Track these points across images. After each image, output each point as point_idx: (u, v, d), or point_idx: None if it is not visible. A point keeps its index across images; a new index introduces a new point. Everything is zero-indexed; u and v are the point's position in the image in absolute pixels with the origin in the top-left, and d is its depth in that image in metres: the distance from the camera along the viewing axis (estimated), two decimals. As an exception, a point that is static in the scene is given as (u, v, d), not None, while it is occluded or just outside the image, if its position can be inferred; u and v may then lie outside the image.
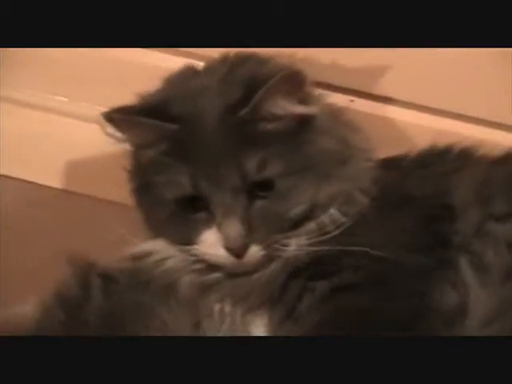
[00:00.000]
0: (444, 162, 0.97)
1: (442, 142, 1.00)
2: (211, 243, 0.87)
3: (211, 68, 0.93)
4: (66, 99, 1.22)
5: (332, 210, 0.89)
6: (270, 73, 0.86)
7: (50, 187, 1.25)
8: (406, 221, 0.89)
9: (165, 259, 0.92)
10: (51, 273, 0.93)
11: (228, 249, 0.86)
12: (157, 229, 0.92)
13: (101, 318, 0.90)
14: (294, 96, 0.87)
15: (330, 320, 0.86)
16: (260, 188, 0.87)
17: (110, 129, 0.89)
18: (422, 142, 1.03)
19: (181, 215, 0.88)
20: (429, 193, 0.91)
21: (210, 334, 0.89)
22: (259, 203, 0.87)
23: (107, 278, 0.93)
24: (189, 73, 0.94)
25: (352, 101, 1.06)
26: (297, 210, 0.88)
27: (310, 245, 0.87)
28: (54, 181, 1.25)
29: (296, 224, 0.88)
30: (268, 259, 0.89)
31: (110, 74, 1.13)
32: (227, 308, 0.89)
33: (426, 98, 1.09)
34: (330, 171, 0.89)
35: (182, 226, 0.89)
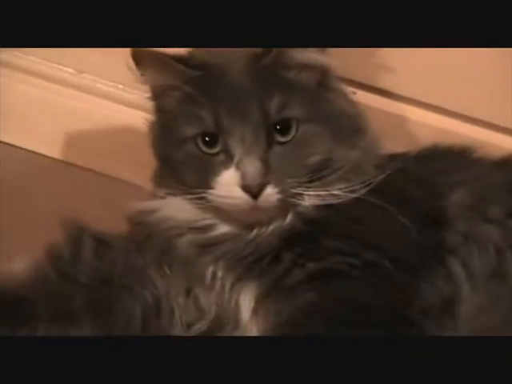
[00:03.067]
0: (444, 161, 0.99)
1: (444, 141, 1.01)
2: (228, 184, 0.88)
3: None
4: (72, 70, 1.23)
5: (342, 173, 0.91)
6: None
7: (49, 157, 1.26)
8: (401, 219, 0.90)
9: (169, 217, 0.93)
10: (45, 237, 0.94)
11: (245, 187, 0.88)
12: (174, 174, 0.93)
13: (92, 278, 0.90)
14: None
15: (313, 301, 0.87)
16: (280, 132, 0.90)
17: (134, 68, 0.92)
18: (424, 140, 1.05)
19: (199, 156, 0.90)
20: (426, 194, 0.94)
21: (201, 300, 0.90)
22: (278, 148, 0.90)
23: (99, 241, 0.93)
24: None
25: (354, 93, 1.07)
26: (314, 159, 0.90)
27: (320, 202, 0.89)
28: (54, 151, 1.25)
29: (310, 176, 0.90)
30: (280, 209, 0.90)
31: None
32: (219, 273, 0.90)
33: (430, 95, 1.11)
34: (346, 135, 0.92)
35: (199, 167, 0.90)
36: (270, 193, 0.88)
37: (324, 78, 0.93)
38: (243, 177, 0.88)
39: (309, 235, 0.90)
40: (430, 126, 1.13)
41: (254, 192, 0.88)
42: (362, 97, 1.07)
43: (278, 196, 0.89)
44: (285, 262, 0.89)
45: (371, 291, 0.87)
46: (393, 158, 0.97)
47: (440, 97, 1.11)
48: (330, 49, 0.93)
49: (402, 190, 0.93)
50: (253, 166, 0.88)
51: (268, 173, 0.88)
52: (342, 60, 0.95)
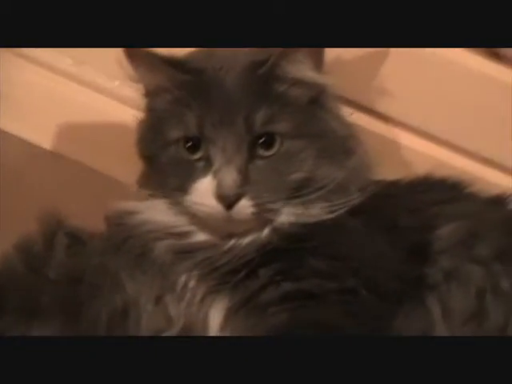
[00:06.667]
0: (436, 192, 0.97)
1: (439, 172, 1.00)
2: (204, 192, 0.87)
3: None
4: (71, 62, 1.22)
5: (324, 192, 0.89)
6: None
7: (41, 147, 1.25)
8: (387, 247, 0.89)
9: (148, 220, 0.92)
10: (22, 227, 0.93)
11: (219, 196, 0.87)
12: (156, 175, 0.92)
13: (62, 275, 0.89)
14: (310, 59, 0.89)
15: (285, 323, 0.85)
16: (263, 146, 0.88)
17: (128, 66, 0.91)
18: (418, 169, 1.04)
19: (180, 161, 0.90)
20: (413, 224, 0.92)
21: (170, 309, 0.89)
22: (260, 161, 0.88)
23: (74, 239, 0.92)
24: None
25: (351, 113, 1.06)
26: (295, 176, 0.89)
27: (297, 219, 0.88)
28: (47, 142, 1.24)
29: (290, 193, 0.88)
30: (256, 223, 0.89)
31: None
32: (191, 283, 0.89)
33: (429, 124, 1.09)
34: (333, 155, 0.91)
35: (179, 172, 0.89)
36: (245, 205, 0.87)
37: (318, 95, 0.92)
38: (218, 186, 0.87)
39: (287, 252, 0.88)
40: (426, 155, 1.11)
41: (227, 202, 0.87)
42: (359, 119, 1.06)
43: (253, 209, 0.87)
44: (260, 279, 0.87)
45: (345, 319, 0.85)
46: (383, 183, 0.95)
47: (438, 127, 1.10)
48: (328, 67, 0.91)
49: (389, 216, 0.91)
50: (229, 176, 0.86)
51: (245, 185, 0.87)
52: (342, 79, 0.93)
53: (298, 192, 0.88)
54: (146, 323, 0.89)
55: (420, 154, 1.11)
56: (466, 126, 1.08)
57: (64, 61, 1.22)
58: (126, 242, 0.91)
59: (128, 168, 1.01)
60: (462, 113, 1.08)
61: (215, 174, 0.87)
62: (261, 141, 0.88)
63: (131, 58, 0.91)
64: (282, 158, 0.88)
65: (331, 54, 0.92)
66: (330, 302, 0.86)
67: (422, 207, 0.93)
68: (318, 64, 0.90)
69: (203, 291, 0.89)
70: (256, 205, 0.87)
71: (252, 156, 0.88)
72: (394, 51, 1.07)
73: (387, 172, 0.98)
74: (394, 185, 0.97)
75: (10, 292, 0.88)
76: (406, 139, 1.12)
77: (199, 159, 0.89)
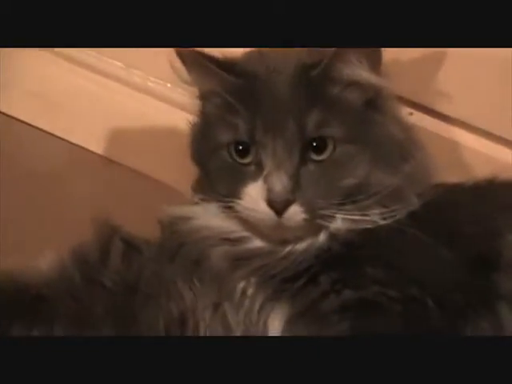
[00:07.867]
0: (501, 197, 0.93)
1: (502, 173, 0.95)
2: (254, 197, 0.85)
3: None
4: (123, 65, 1.20)
5: (379, 198, 0.86)
6: None
7: (91, 151, 1.23)
8: (452, 257, 0.85)
9: (203, 226, 0.90)
10: (76, 232, 0.91)
11: (270, 202, 0.84)
12: (207, 180, 0.91)
13: (117, 283, 0.87)
14: (366, 60, 0.86)
15: (347, 331, 0.82)
16: (315, 150, 0.85)
17: (181, 67, 0.89)
18: (480, 171, 1.00)
19: (231, 165, 0.88)
20: (480, 232, 0.88)
21: (229, 317, 0.87)
22: (312, 166, 0.86)
23: (130, 245, 0.90)
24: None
25: (411, 114, 1.02)
26: (348, 182, 0.86)
27: (353, 225, 0.85)
28: (97, 146, 1.23)
29: (343, 198, 0.86)
30: (309, 229, 0.86)
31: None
32: (250, 290, 0.87)
33: (492, 125, 1.06)
34: (390, 160, 0.88)
35: (230, 176, 0.87)
36: (296, 211, 0.84)
37: (374, 98, 0.88)
38: (269, 191, 0.84)
39: (348, 259, 0.85)
40: (489, 157, 1.08)
41: (278, 208, 0.84)
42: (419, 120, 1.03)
43: (304, 215, 0.85)
44: (321, 286, 0.85)
45: (409, 330, 0.82)
46: (444, 188, 0.91)
47: (502, 127, 1.06)
48: (386, 68, 0.88)
49: (452, 223, 0.87)
50: (280, 182, 0.84)
51: (296, 190, 0.84)
52: (400, 80, 0.91)
53: (350, 198, 0.86)
54: (204, 331, 0.87)
55: (483, 155, 1.08)
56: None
57: (114, 64, 1.20)
58: (181, 249, 0.89)
59: (178, 173, 1.00)
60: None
61: (266, 179, 0.85)
62: (313, 144, 0.85)
63: (184, 59, 0.89)
64: (334, 163, 0.85)
65: (388, 55, 0.89)
66: (393, 311, 0.83)
67: (487, 214, 0.89)
68: (375, 65, 0.87)
69: (262, 299, 0.86)
70: (307, 211, 0.84)
71: (303, 161, 0.85)
72: (454, 51, 1.03)
73: (448, 175, 0.94)
74: (456, 189, 0.93)
75: (65, 300, 0.86)
76: (468, 140, 1.08)
77: (249, 163, 0.87)
